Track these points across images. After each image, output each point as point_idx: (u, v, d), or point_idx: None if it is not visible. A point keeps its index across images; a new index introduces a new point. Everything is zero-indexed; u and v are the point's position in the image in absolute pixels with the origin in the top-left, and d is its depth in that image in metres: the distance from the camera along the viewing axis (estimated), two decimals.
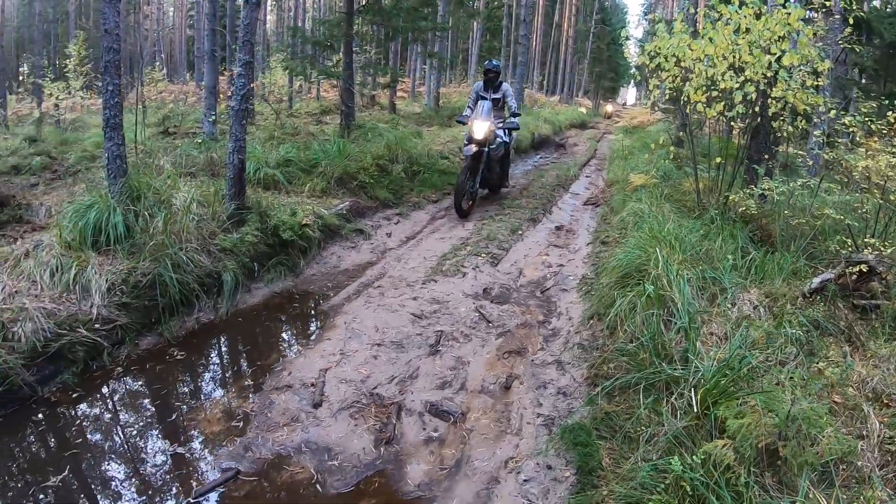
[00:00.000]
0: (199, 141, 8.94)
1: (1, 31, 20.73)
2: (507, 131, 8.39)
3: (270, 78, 17.87)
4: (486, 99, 8.21)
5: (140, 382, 3.94)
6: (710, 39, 5.34)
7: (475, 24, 25.66)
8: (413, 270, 5.62)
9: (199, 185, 6.03)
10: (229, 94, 12.36)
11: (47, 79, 15.44)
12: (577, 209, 8.73)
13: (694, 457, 2.45)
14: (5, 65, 22.06)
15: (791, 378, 3.00)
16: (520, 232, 7.07)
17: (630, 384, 3.24)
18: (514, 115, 8.38)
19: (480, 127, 7.66)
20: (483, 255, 6.01)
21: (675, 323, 3.56)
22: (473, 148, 7.61)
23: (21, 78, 22.07)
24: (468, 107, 8.49)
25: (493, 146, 7.89)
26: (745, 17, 5.15)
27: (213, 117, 9.81)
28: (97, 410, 3.68)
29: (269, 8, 34.10)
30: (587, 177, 11.87)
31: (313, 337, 4.42)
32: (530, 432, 3.24)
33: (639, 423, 2.98)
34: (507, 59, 28.31)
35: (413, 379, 3.73)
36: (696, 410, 2.81)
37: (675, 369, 3.15)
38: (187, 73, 26.98)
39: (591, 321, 4.43)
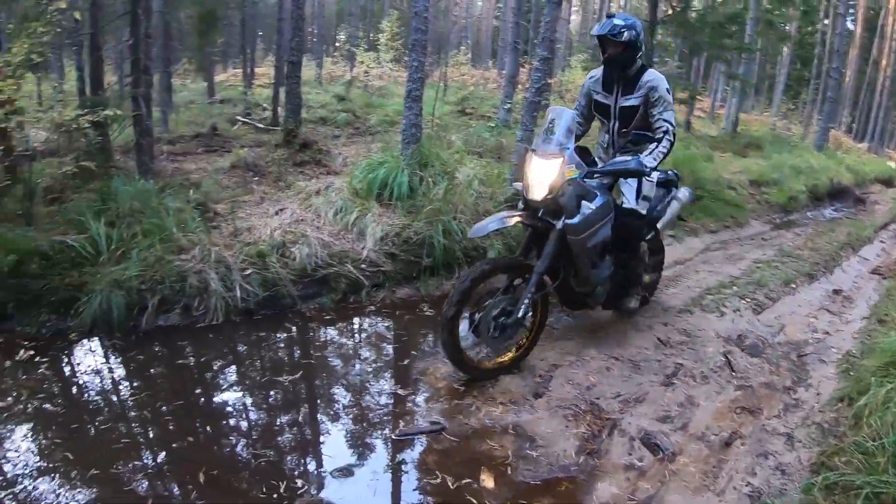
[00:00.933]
0: (492, 125, 9.53)
1: (323, 3, 24.07)
2: (639, 186, 3.91)
3: (569, 76, 18.13)
4: (604, 105, 3.96)
5: (386, 325, 4.43)
6: None
7: (784, 49, 23.36)
8: (672, 296, 5.39)
9: (483, 165, 6.47)
10: (527, 85, 12.93)
11: (360, 48, 17.64)
12: (862, 276, 7.56)
13: None
14: (325, 31, 25.70)
15: None
16: (793, 285, 6.35)
17: (854, 486, 2.81)
18: (654, 139, 3.74)
19: (541, 172, 3.36)
20: (748, 299, 5.53)
21: None
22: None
23: (337, 45, 25.32)
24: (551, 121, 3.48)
25: (575, 221, 3.40)
26: None
27: (509, 105, 10.32)
28: (342, 335, 4.27)
29: (574, 8, 34.65)
30: (882, 242, 10.22)
31: (556, 332, 4.50)
32: (732, 498, 2.97)
33: None
34: (816, 94, 25.39)
35: (637, 402, 3.62)
36: None
37: None
38: (490, 61, 28.57)
39: (839, 404, 3.87)
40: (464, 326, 3.41)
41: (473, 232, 3.47)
